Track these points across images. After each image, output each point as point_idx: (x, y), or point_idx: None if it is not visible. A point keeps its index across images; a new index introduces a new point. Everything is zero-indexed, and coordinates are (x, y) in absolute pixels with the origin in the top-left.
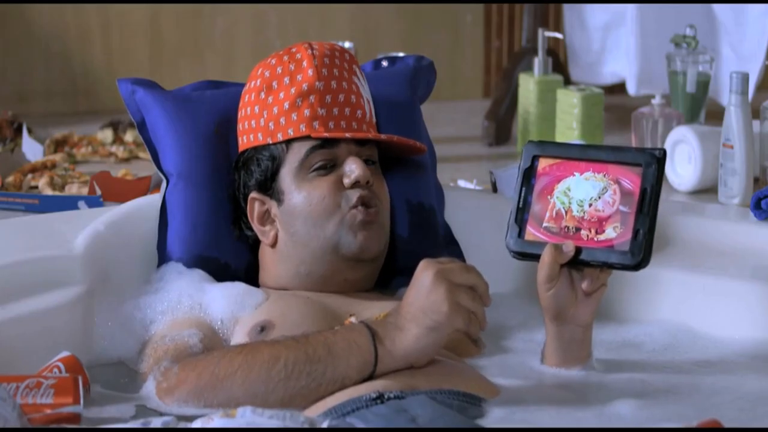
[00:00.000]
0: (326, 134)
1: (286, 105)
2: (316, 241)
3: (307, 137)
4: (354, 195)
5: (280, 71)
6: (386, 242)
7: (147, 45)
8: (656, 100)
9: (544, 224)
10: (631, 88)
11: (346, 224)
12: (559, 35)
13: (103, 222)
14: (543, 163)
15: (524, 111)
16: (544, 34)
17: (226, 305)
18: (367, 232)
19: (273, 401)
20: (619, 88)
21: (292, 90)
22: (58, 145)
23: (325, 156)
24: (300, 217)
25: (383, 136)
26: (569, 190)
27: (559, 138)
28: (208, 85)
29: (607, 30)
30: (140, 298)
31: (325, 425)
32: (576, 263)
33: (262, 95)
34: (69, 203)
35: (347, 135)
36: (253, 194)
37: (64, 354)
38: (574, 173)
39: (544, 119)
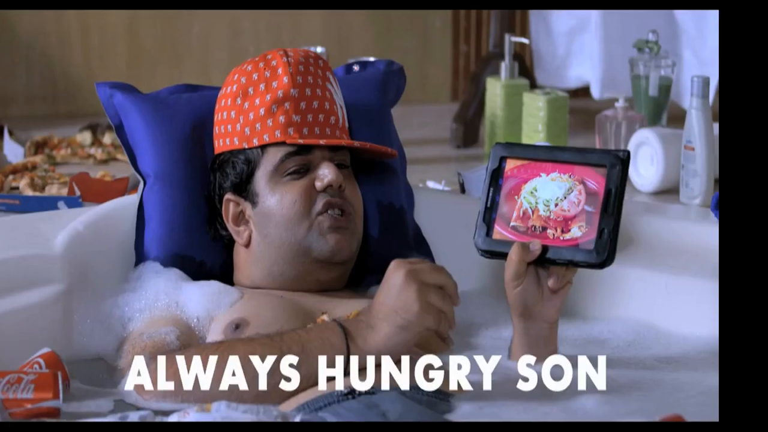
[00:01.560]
0: (301, 141)
1: (262, 111)
2: (287, 243)
3: (282, 143)
4: (321, 201)
5: (255, 77)
6: (358, 245)
7: (125, 50)
8: (620, 104)
9: (512, 223)
10: (596, 92)
11: (315, 229)
12: (525, 40)
13: (82, 222)
14: (510, 165)
15: (491, 114)
16: (511, 39)
17: (201, 303)
18: (339, 236)
19: (248, 397)
20: (583, 91)
21: (268, 96)
22: (39, 146)
23: (299, 162)
24: (273, 219)
25: (357, 143)
26: (536, 190)
27: (526, 140)
28: (184, 89)
29: (571, 35)
30: (118, 296)
31: (297, 419)
32: (542, 261)
33: (239, 101)
34: (49, 204)
35: (321, 142)
36: (228, 195)
37: (45, 350)
38: (541, 174)
39: (511, 122)
